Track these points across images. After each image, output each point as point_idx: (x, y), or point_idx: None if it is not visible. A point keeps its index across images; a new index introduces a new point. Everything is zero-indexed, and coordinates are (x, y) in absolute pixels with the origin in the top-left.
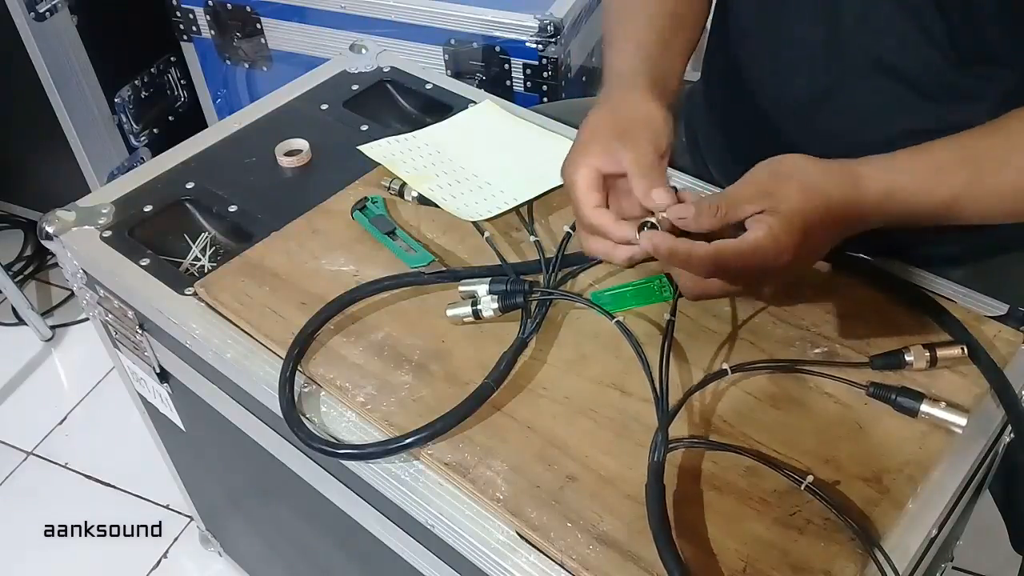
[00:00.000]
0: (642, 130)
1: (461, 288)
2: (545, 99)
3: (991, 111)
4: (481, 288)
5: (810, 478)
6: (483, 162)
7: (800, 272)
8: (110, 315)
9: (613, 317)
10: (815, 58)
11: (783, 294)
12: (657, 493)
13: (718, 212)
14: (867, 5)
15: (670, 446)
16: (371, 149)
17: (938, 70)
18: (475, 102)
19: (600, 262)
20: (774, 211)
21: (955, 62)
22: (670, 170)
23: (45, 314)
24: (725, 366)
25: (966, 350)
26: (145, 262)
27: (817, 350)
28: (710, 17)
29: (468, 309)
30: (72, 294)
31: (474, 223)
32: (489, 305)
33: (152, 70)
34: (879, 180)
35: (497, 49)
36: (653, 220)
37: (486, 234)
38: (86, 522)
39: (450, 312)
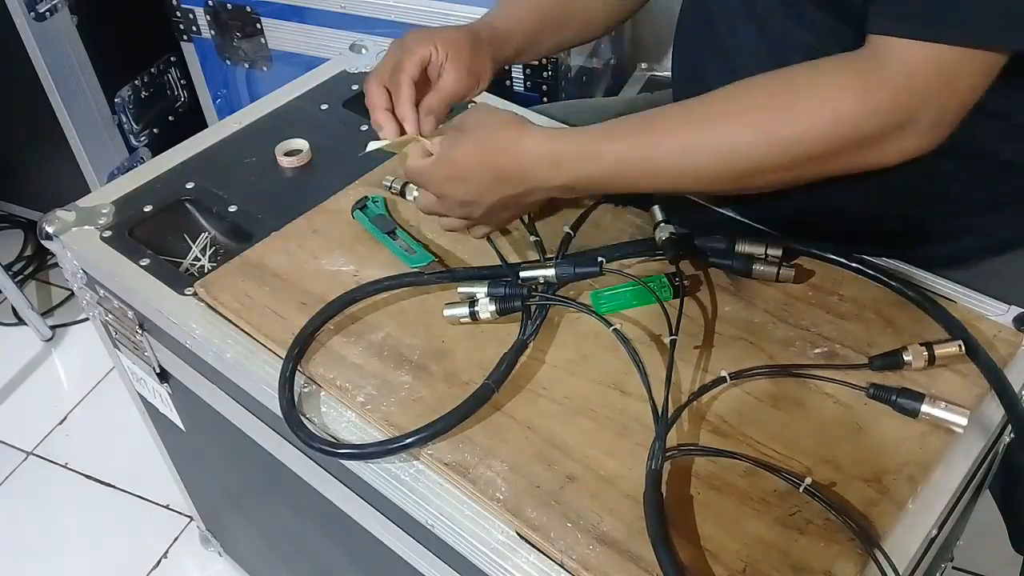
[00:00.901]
0: (473, 77)
1: (460, 289)
2: (545, 99)
3: None
4: (480, 289)
5: (808, 480)
6: None
7: (474, 207)
8: (110, 315)
9: (611, 325)
10: (752, 55)
11: (730, 301)
12: (655, 501)
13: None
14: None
15: (667, 454)
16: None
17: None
18: (474, 102)
19: (600, 269)
20: (452, 143)
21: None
22: None
23: (45, 314)
24: (724, 373)
25: (963, 347)
26: (145, 262)
27: (817, 350)
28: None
29: (465, 310)
30: (72, 294)
31: None
32: (487, 307)
33: (152, 70)
34: (541, 146)
35: None
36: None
37: None
38: (86, 522)
39: (447, 312)
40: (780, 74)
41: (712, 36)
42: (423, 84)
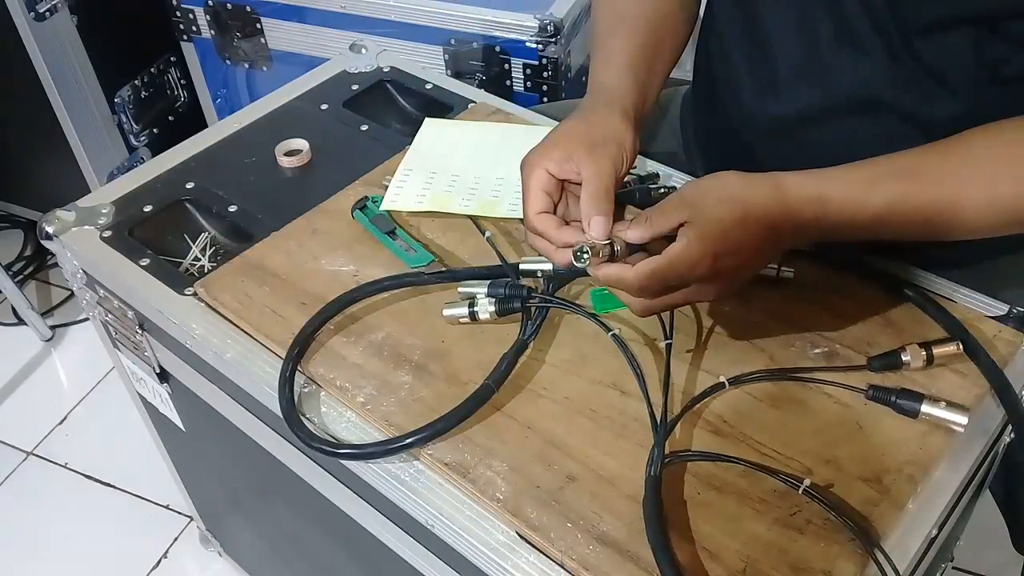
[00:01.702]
0: (609, 147)
1: (460, 289)
2: (545, 99)
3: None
4: (480, 290)
5: (807, 481)
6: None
7: (733, 280)
8: (110, 315)
9: (610, 330)
10: (794, 74)
11: (730, 301)
12: (655, 507)
13: (646, 221)
14: (841, 24)
15: (666, 460)
16: (394, 203)
17: (901, 93)
18: (474, 102)
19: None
20: (693, 221)
21: (920, 85)
22: (668, 169)
23: (45, 314)
24: (723, 378)
25: (961, 346)
26: (145, 262)
27: (817, 351)
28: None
29: (465, 310)
30: (72, 294)
31: (475, 223)
32: (486, 308)
33: (152, 70)
34: (806, 187)
35: (497, 49)
36: (586, 247)
37: (487, 234)
38: (86, 522)
39: (447, 312)
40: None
41: (750, 36)
42: (570, 196)
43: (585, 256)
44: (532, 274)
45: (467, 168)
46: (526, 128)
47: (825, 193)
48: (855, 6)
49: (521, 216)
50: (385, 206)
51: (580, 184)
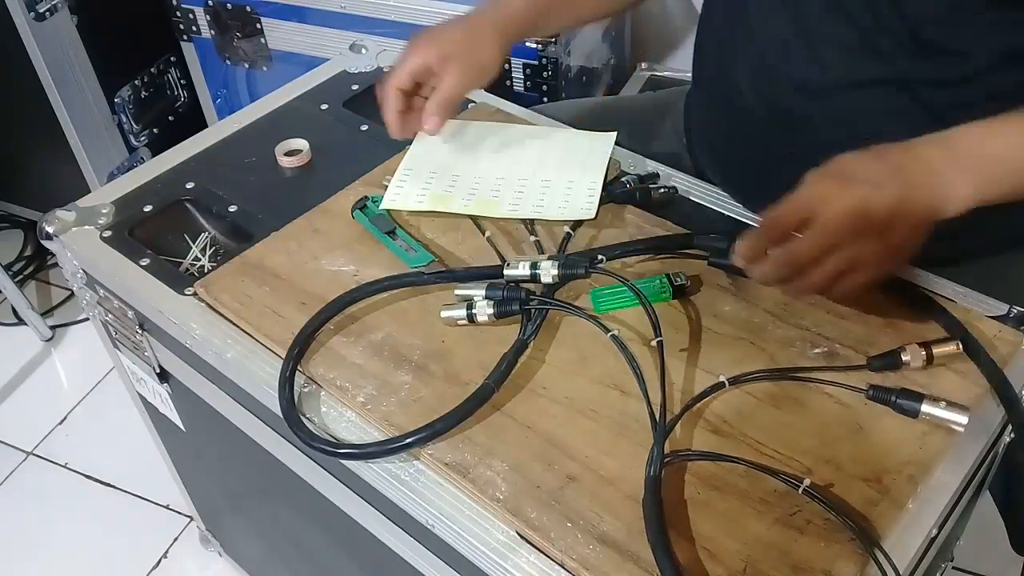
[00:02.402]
0: (475, 71)
1: (457, 292)
2: (545, 99)
3: (977, 99)
4: (478, 292)
5: (807, 481)
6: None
7: (884, 172)
8: (110, 315)
9: (609, 331)
10: (785, 47)
11: (731, 301)
12: (655, 508)
13: (782, 209)
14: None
15: (666, 460)
16: (394, 203)
17: (893, 61)
18: (474, 102)
19: (602, 267)
20: (814, 176)
21: (912, 52)
22: (670, 170)
23: (45, 314)
24: (723, 378)
25: (961, 346)
26: (145, 262)
27: (817, 350)
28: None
29: (463, 312)
30: (72, 294)
31: (475, 223)
32: (484, 310)
33: (152, 70)
34: (928, 138)
35: None
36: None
37: (487, 234)
38: (86, 522)
39: (445, 314)
40: None
41: (744, 25)
42: (429, 88)
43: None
44: (516, 280)
45: (468, 168)
46: (526, 128)
47: (947, 139)
48: None
49: (520, 217)
50: (385, 205)
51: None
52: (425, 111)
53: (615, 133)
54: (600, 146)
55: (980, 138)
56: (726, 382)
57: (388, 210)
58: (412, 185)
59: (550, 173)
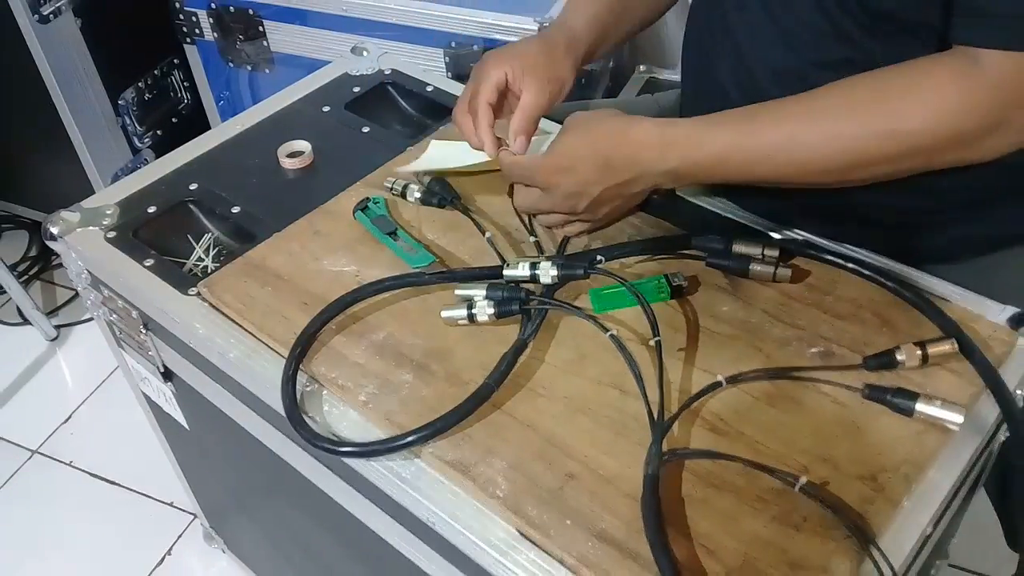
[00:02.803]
0: (554, 84)
1: (458, 292)
2: None
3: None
4: (478, 292)
5: (803, 480)
6: None
7: (576, 205)
8: (114, 315)
9: (608, 331)
10: (759, 33)
11: (728, 300)
12: (653, 506)
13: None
14: None
15: (664, 458)
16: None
17: (866, 47)
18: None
19: (601, 268)
20: (553, 145)
21: (862, 29)
22: None
23: (50, 314)
24: (720, 377)
25: (957, 344)
26: (149, 263)
27: (814, 350)
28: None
29: (463, 312)
30: (76, 294)
31: (475, 223)
32: (485, 310)
33: (155, 72)
34: (649, 126)
35: None
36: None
37: (487, 234)
38: (90, 520)
39: (445, 314)
40: (881, 74)
41: (721, 20)
42: (506, 104)
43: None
44: (516, 280)
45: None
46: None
47: (664, 137)
48: None
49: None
50: (410, 167)
51: (515, 96)
52: (512, 130)
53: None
54: None
55: (688, 147)
56: (723, 381)
57: (389, 211)
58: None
59: None
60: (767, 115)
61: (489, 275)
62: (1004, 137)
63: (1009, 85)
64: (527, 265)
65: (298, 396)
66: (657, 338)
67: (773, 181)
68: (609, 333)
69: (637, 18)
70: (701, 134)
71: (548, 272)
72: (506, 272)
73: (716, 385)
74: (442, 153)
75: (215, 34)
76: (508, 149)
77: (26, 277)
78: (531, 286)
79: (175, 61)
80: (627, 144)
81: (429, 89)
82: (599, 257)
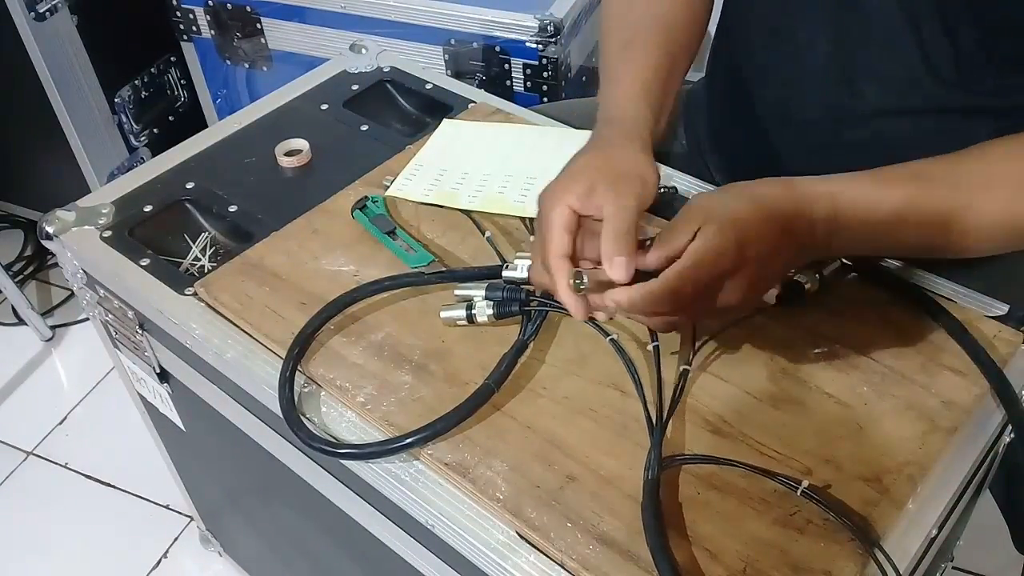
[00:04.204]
0: (633, 183)
1: (457, 292)
2: (545, 99)
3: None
4: (478, 292)
5: (805, 483)
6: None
7: (761, 278)
8: (110, 315)
9: (608, 335)
10: (822, 73)
11: (748, 314)
12: (654, 512)
13: (660, 241)
14: (872, 12)
15: (663, 464)
16: (401, 191)
17: (932, 91)
18: (475, 102)
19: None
20: (708, 221)
21: (953, 82)
22: (670, 170)
23: (45, 314)
24: (684, 367)
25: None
26: (145, 262)
27: (817, 350)
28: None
29: (463, 312)
30: (72, 294)
31: (475, 223)
32: (484, 311)
33: (152, 70)
34: (816, 185)
35: (497, 49)
36: (584, 274)
37: (487, 234)
38: (86, 522)
39: (444, 315)
40: None
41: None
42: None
43: (582, 285)
44: (515, 281)
45: (478, 167)
46: (540, 130)
47: (836, 191)
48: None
49: (522, 215)
50: (391, 193)
51: (598, 220)
52: (604, 255)
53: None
54: None
55: (865, 204)
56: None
57: (388, 210)
58: (421, 179)
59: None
60: (943, 177)
61: (489, 275)
62: None
63: None
64: (526, 267)
65: (296, 397)
66: (655, 343)
67: (936, 251)
68: (609, 338)
69: (688, 52)
70: (876, 192)
71: None
72: (505, 273)
73: (684, 373)
74: (463, 133)
75: (212, 31)
76: (621, 292)
77: (21, 277)
78: (531, 286)
79: (172, 59)
80: (799, 202)
81: (428, 87)
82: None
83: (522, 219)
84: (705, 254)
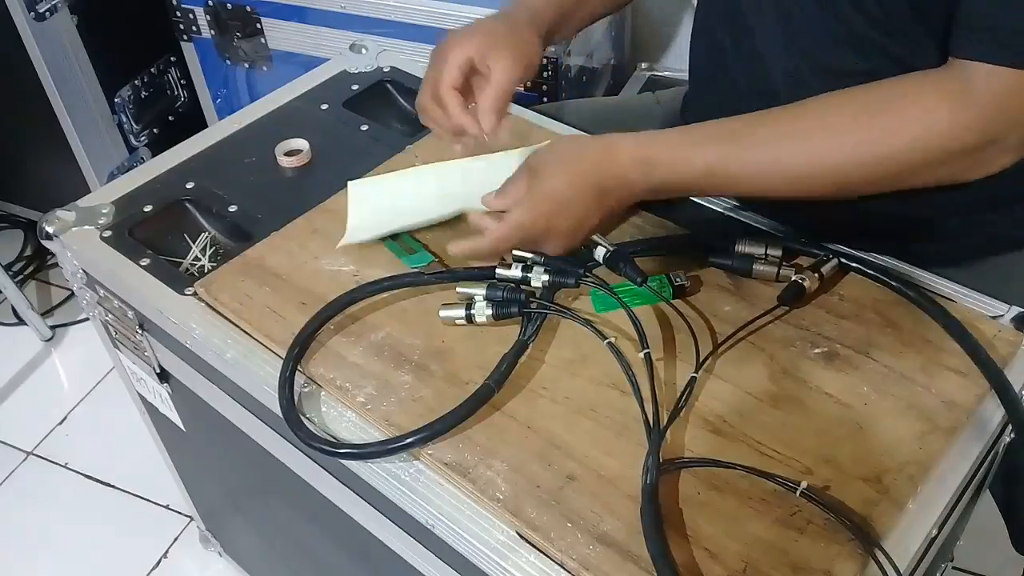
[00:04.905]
0: (523, 56)
1: (459, 290)
2: (545, 99)
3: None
4: (479, 292)
5: (804, 484)
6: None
7: (570, 235)
8: (110, 315)
9: (606, 338)
10: (775, 42)
11: (731, 300)
12: (653, 517)
13: (501, 193)
14: None
15: (662, 468)
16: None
17: (874, 46)
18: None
19: (590, 280)
20: (529, 191)
21: (889, 36)
22: None
23: (45, 314)
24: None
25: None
26: (145, 262)
27: (817, 350)
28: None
29: (462, 312)
30: (72, 294)
31: None
32: (483, 311)
33: (152, 70)
34: (633, 150)
35: None
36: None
37: None
38: (86, 522)
39: (443, 313)
40: (869, 90)
41: (735, 18)
42: (477, 85)
43: None
44: (509, 280)
45: (417, 222)
46: (462, 166)
47: (650, 155)
48: None
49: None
50: (344, 243)
51: (483, 76)
52: (480, 109)
53: (548, 143)
54: None
55: (675, 163)
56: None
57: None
58: (369, 231)
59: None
60: (752, 134)
61: (488, 275)
62: (999, 157)
63: (1005, 103)
64: (520, 268)
65: (296, 397)
66: (647, 350)
67: (759, 197)
68: (607, 341)
69: (600, 3)
70: (687, 151)
71: (539, 277)
72: (499, 271)
73: (692, 380)
74: (377, 194)
75: (212, 31)
76: (478, 211)
77: (21, 277)
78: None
79: (172, 59)
80: (616, 165)
81: None
82: (590, 268)
83: None
84: (519, 224)
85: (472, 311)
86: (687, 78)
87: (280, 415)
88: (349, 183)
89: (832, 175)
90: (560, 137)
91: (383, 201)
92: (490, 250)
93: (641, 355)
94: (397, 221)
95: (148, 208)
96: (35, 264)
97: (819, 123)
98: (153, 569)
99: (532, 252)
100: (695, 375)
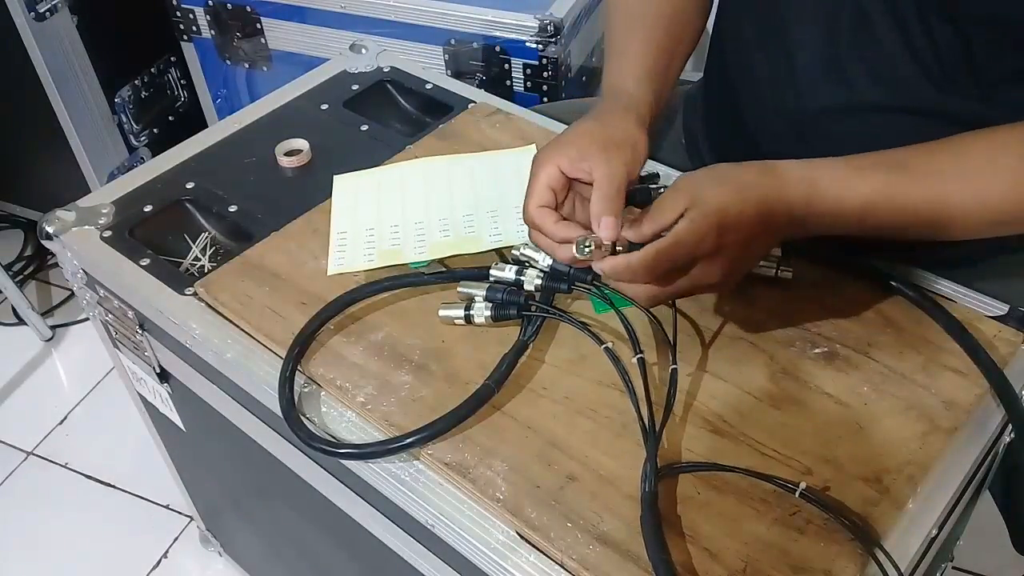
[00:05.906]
0: (623, 150)
1: (460, 289)
2: (545, 99)
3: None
4: (480, 292)
5: (803, 484)
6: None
7: (736, 261)
8: (110, 315)
9: (603, 343)
10: (814, 70)
11: (730, 292)
12: (653, 524)
13: (647, 217)
14: (863, 10)
15: (660, 473)
16: (341, 267)
17: (922, 90)
18: (474, 102)
19: (583, 286)
20: (694, 205)
21: (941, 82)
22: (669, 170)
23: (45, 314)
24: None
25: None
26: (145, 262)
27: (817, 350)
28: (712, 18)
29: (460, 312)
30: (72, 294)
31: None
32: (483, 312)
33: (152, 70)
34: (795, 168)
35: (497, 49)
36: (589, 239)
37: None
38: (86, 522)
39: (443, 313)
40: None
41: (771, 34)
42: (583, 190)
43: (588, 248)
44: (501, 281)
45: (404, 215)
46: (448, 161)
47: (813, 175)
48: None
49: (483, 249)
50: (333, 271)
51: (590, 184)
52: (592, 215)
53: (533, 146)
54: (525, 161)
55: (839, 190)
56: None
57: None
58: (354, 246)
59: (490, 200)
60: (918, 168)
61: (488, 276)
62: None
63: None
64: (513, 270)
65: (296, 397)
66: (640, 355)
67: (910, 236)
68: (604, 346)
69: (689, 41)
70: (851, 179)
71: (532, 280)
72: (492, 271)
73: (674, 373)
74: (361, 187)
75: (212, 31)
76: (604, 254)
77: (21, 277)
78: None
79: (172, 59)
80: (778, 186)
81: (428, 87)
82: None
83: (505, 249)
84: (687, 236)
85: (471, 311)
86: (687, 78)
87: (280, 415)
88: (335, 176)
89: (993, 215)
90: (707, 167)
91: (367, 195)
92: (645, 269)
93: (634, 359)
94: (381, 214)
95: (148, 208)
96: (35, 264)
97: (988, 163)
98: (153, 569)
99: (685, 289)
100: (675, 366)
